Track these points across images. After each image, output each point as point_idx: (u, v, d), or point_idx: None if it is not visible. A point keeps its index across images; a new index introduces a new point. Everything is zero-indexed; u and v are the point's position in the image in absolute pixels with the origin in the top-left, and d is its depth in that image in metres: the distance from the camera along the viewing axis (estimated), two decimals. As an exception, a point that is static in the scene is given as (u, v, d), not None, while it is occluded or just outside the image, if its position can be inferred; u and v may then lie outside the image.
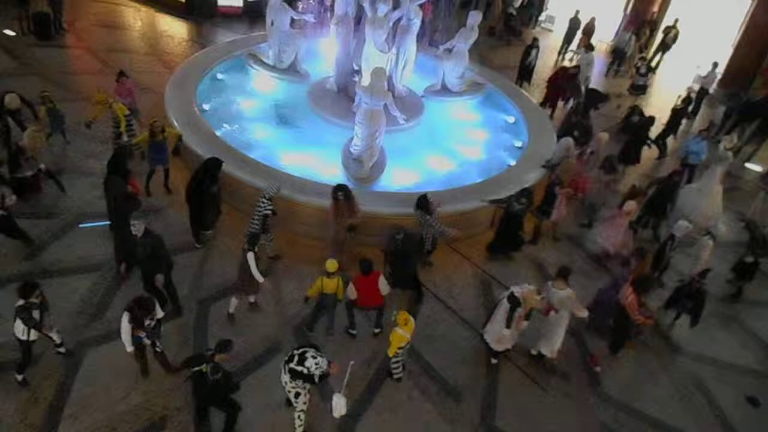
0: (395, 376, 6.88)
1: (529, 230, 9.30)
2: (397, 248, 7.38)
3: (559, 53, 17.42)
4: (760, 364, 8.29)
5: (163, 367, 6.45)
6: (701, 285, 7.88)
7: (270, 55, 11.74)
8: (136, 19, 15.44)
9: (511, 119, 12.10)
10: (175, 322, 7.08)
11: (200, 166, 8.07)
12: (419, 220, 7.89)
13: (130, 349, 6.04)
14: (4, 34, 13.09)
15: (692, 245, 9.11)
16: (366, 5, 9.73)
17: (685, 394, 7.57)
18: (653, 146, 12.49)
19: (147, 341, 6.10)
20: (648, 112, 12.60)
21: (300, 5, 13.55)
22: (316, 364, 5.43)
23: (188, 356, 5.95)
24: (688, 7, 18.30)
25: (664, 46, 17.44)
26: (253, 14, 15.97)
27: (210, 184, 7.91)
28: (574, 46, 17.41)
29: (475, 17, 11.43)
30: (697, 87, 15.67)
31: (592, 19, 17.17)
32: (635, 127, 11.93)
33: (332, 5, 10.89)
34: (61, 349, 6.45)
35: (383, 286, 6.94)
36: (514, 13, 18.66)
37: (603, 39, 18.60)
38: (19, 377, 6.16)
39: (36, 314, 5.88)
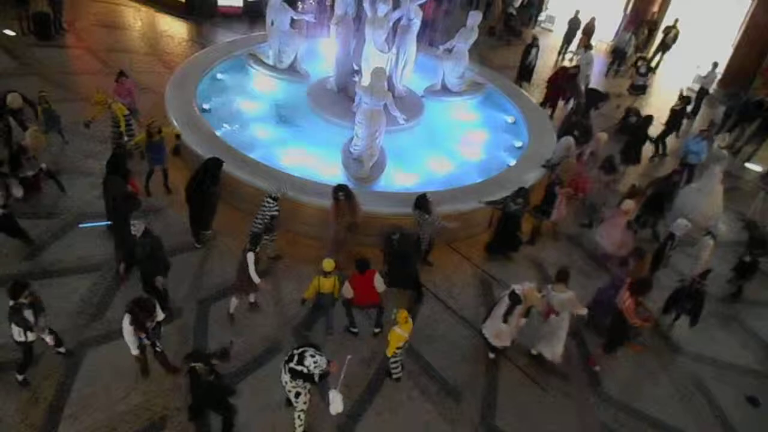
0: (394, 376, 6.89)
1: (527, 230, 9.31)
2: (393, 248, 7.38)
3: (559, 53, 17.42)
4: (760, 364, 8.29)
5: (163, 367, 6.46)
6: (702, 286, 7.87)
7: (270, 55, 11.74)
8: (136, 19, 15.44)
9: (511, 119, 12.10)
10: (175, 322, 7.08)
11: (200, 166, 8.07)
12: (417, 220, 7.89)
13: (135, 352, 6.05)
14: (4, 34, 13.09)
15: (693, 245, 9.11)
16: (366, 5, 9.73)
17: (685, 394, 7.58)
18: (653, 145, 12.54)
19: (147, 341, 6.10)
20: (648, 112, 12.60)
21: (300, 5, 13.55)
22: (315, 363, 5.43)
23: (188, 353, 5.93)
24: (688, 7, 18.30)
25: (664, 46, 17.44)
26: (253, 14, 15.97)
27: (210, 185, 7.91)
28: (574, 46, 17.41)
29: (475, 17, 11.42)
30: (696, 87, 15.68)
31: (592, 19, 17.17)
32: (633, 127, 11.93)
33: (332, 5, 10.89)
34: (61, 350, 6.45)
35: (379, 283, 6.95)
36: (514, 13, 18.65)
37: (603, 39, 18.62)
38: (20, 377, 6.16)
39: (29, 315, 5.83)
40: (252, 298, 7.41)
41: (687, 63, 17.69)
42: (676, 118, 12.56)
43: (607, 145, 10.44)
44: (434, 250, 8.68)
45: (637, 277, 7.27)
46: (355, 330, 7.38)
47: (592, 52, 14.84)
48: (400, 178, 9.62)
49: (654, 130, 12.15)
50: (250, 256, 6.77)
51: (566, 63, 16.69)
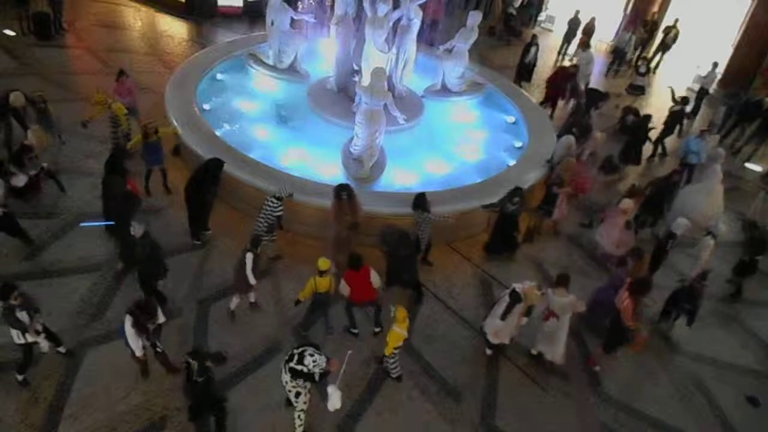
0: (394, 375, 6.88)
1: (522, 229, 9.29)
2: (390, 247, 7.40)
3: (559, 53, 17.42)
4: (760, 364, 8.30)
5: (163, 367, 6.46)
6: (701, 286, 7.86)
7: (270, 55, 11.74)
8: (136, 19, 15.44)
9: (511, 119, 12.10)
10: (175, 322, 7.08)
11: (201, 167, 8.08)
12: (417, 220, 7.89)
13: (140, 353, 6.06)
14: (4, 34, 13.09)
15: (693, 245, 9.12)
16: (366, 5, 9.72)
17: (685, 394, 7.58)
18: (652, 146, 12.55)
19: (147, 343, 6.11)
20: (647, 112, 12.57)
21: (300, 5, 13.55)
22: (314, 362, 5.44)
23: (189, 351, 5.92)
24: (688, 7, 18.30)
25: (664, 46, 17.44)
26: (253, 14, 15.97)
27: (211, 185, 7.92)
28: (574, 46, 17.42)
29: (475, 17, 11.42)
30: (696, 87, 15.68)
31: (592, 19, 17.17)
32: (632, 127, 11.94)
33: (332, 5, 10.89)
34: (61, 349, 6.45)
35: (375, 279, 6.96)
36: (514, 13, 18.66)
37: (603, 39, 18.62)
38: (20, 377, 6.16)
39: (23, 316, 5.80)
40: (252, 297, 7.41)
41: (687, 63, 17.69)
42: (674, 119, 12.54)
43: (605, 144, 10.44)
44: (434, 250, 8.68)
45: (637, 277, 7.27)
46: (356, 331, 7.38)
47: (592, 51, 14.83)
48: (400, 178, 9.62)
49: (653, 129, 12.15)
50: (249, 257, 6.77)
51: (566, 63, 16.68)
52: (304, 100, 10.93)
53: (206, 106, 10.49)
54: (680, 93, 13.58)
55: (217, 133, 9.57)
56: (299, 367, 5.46)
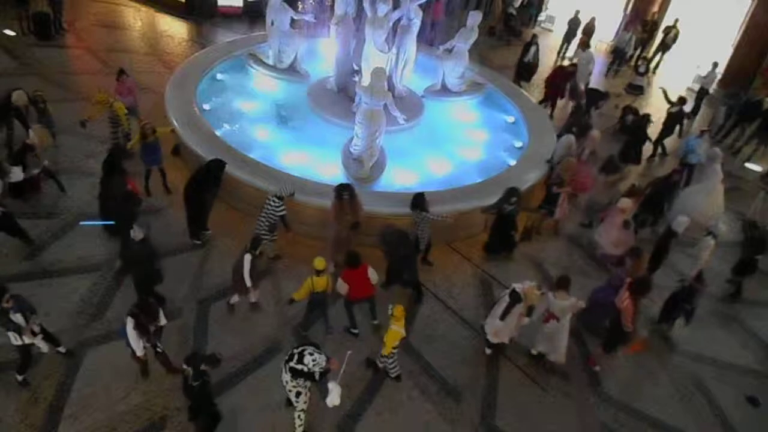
0: (393, 375, 6.88)
1: (521, 228, 9.28)
2: (390, 246, 7.42)
3: (559, 53, 17.42)
4: (760, 364, 8.29)
5: (164, 367, 6.46)
6: (700, 288, 7.85)
7: (270, 55, 11.74)
8: (136, 19, 15.44)
9: (511, 119, 12.10)
10: (175, 322, 7.08)
11: (202, 167, 8.09)
12: (415, 219, 7.90)
13: (141, 353, 6.07)
14: (4, 34, 13.09)
15: (693, 245, 9.11)
16: (366, 5, 9.72)
17: (685, 394, 7.58)
18: (652, 146, 12.55)
19: (148, 344, 6.13)
20: (647, 111, 12.58)
21: (300, 5, 13.55)
22: (314, 361, 5.44)
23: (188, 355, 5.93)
24: (688, 7, 18.30)
25: (664, 46, 17.44)
26: (253, 14, 15.97)
27: (212, 186, 7.93)
28: (574, 46, 17.42)
29: (475, 17, 11.42)
30: (696, 87, 15.68)
31: (592, 19, 17.18)
32: (632, 127, 11.95)
33: (332, 5, 10.89)
34: (61, 349, 6.45)
35: (373, 275, 6.98)
36: (514, 13, 18.66)
37: (603, 39, 18.62)
38: (20, 378, 6.16)
39: (18, 318, 5.78)
40: (253, 298, 7.41)
41: (687, 63, 17.70)
42: (673, 120, 12.53)
43: (601, 142, 10.43)
44: (434, 250, 8.68)
45: (637, 277, 7.27)
46: (356, 331, 7.38)
47: (591, 51, 14.84)
48: (400, 178, 9.62)
49: (653, 129, 12.15)
50: (247, 258, 6.78)
51: (566, 63, 16.67)
52: (304, 100, 10.94)
53: (206, 106, 10.49)
54: (680, 93, 13.62)
55: (217, 133, 9.57)
56: (299, 367, 5.46)
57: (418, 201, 7.87)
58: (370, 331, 7.47)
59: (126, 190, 7.64)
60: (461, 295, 8.38)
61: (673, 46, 17.39)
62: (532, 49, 14.19)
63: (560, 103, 13.73)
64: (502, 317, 6.80)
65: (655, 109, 13.45)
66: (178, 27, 15.44)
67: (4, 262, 7.57)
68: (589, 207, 10.07)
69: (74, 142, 9.87)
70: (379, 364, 6.84)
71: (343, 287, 6.88)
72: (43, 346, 6.15)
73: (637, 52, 17.83)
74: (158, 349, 6.27)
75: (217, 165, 7.99)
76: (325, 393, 5.56)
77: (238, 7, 16.27)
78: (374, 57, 9.93)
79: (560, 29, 18.18)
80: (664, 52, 17.62)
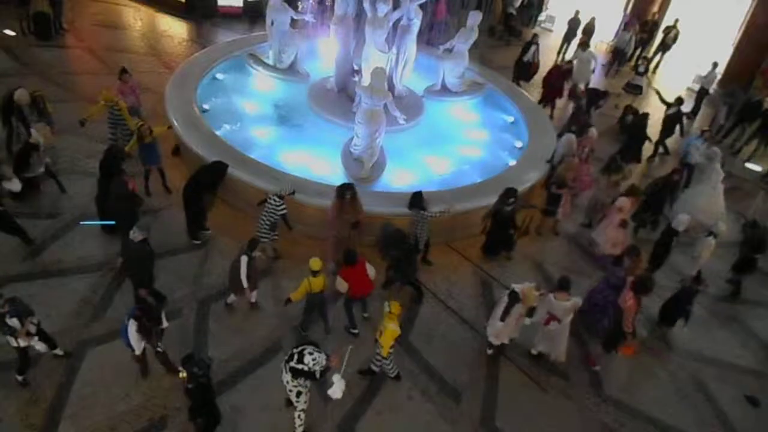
0: (392, 375, 6.87)
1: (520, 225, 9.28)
2: (389, 245, 7.46)
3: (559, 53, 17.42)
4: (760, 364, 8.29)
5: (164, 367, 6.46)
6: (698, 288, 7.85)
7: (270, 55, 11.74)
8: (136, 19, 15.44)
9: (511, 119, 12.10)
10: (175, 322, 7.08)
11: (203, 168, 8.10)
12: (414, 218, 7.90)
13: (139, 351, 6.08)
14: (4, 34, 13.09)
15: (692, 245, 9.12)
16: (366, 5, 9.72)
17: (685, 394, 7.58)
18: (652, 146, 12.56)
19: (149, 345, 6.15)
20: (646, 111, 12.58)
21: (300, 5, 13.55)
22: (314, 360, 5.44)
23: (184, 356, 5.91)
24: (688, 7, 18.30)
25: (664, 46, 17.44)
26: (253, 14, 15.97)
27: (212, 187, 7.94)
28: (574, 46, 17.41)
29: (475, 17, 11.42)
30: (696, 87, 15.68)
31: (592, 19, 17.17)
32: (632, 126, 11.95)
33: (332, 5, 10.89)
34: (58, 352, 6.44)
35: (371, 271, 7.01)
36: (514, 13, 18.66)
37: (603, 39, 18.62)
38: (20, 378, 6.16)
39: (14, 322, 5.76)
40: (253, 298, 7.41)
41: (687, 63, 17.69)
42: (672, 121, 12.51)
43: (600, 142, 10.43)
44: (434, 249, 8.69)
45: (640, 276, 7.28)
46: (356, 331, 7.38)
47: (591, 50, 14.85)
48: (400, 178, 9.62)
49: (652, 130, 12.16)
50: (243, 260, 6.79)
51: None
52: (304, 100, 10.93)
53: (206, 106, 10.49)
54: (680, 93, 13.61)
55: (217, 133, 9.57)
56: (300, 366, 5.46)
57: (416, 200, 7.89)
58: (370, 331, 7.47)
59: (128, 190, 7.63)
60: (461, 295, 8.38)
61: (673, 46, 17.39)
62: (532, 48, 14.20)
63: (560, 103, 13.73)
64: (502, 318, 6.81)
65: (654, 109, 13.43)
66: (178, 27, 15.44)
67: (4, 262, 7.56)
68: (591, 206, 10.06)
69: (74, 142, 9.87)
70: (374, 367, 6.77)
71: (342, 285, 6.88)
72: (41, 347, 6.14)
73: (638, 52, 17.83)
74: (159, 349, 6.28)
75: (219, 167, 8.01)
76: (325, 391, 5.56)
77: (238, 7, 16.26)
78: (374, 57, 9.93)
79: (560, 29, 18.17)
80: (664, 52, 17.62)
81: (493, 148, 11.10)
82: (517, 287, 6.73)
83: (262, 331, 7.29)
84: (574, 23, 16.98)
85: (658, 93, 12.82)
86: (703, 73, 15.23)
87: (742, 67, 16.21)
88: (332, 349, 5.79)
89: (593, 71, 14.46)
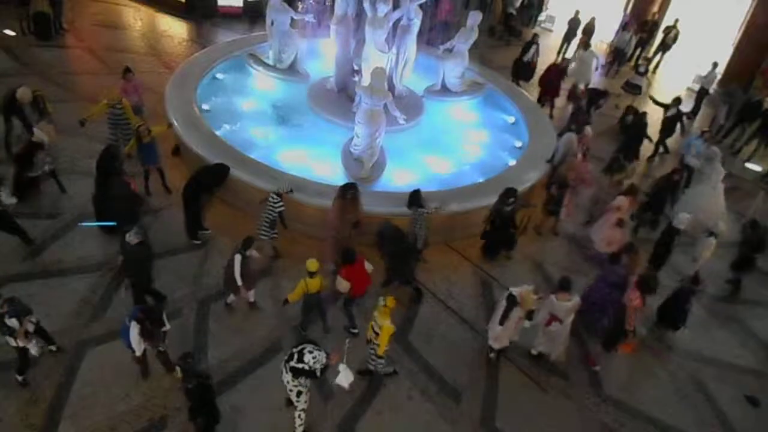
0: (390, 371, 6.83)
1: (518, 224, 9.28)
2: (388, 243, 7.48)
3: (559, 53, 17.41)
4: (760, 364, 8.29)
5: (164, 366, 6.46)
6: (696, 289, 7.86)
7: (270, 55, 11.73)
8: (136, 19, 15.43)
9: (511, 119, 12.10)
10: (175, 322, 7.07)
11: (203, 168, 8.10)
12: (414, 217, 7.92)
13: (140, 352, 6.09)
14: (4, 34, 13.08)
15: (692, 245, 9.12)
16: (366, 5, 9.71)
17: (685, 394, 7.58)
18: (652, 146, 12.57)
19: (151, 347, 6.16)
20: (646, 111, 12.58)
21: (300, 5, 13.54)
22: (314, 358, 5.45)
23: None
24: (688, 7, 18.29)
25: (664, 46, 17.43)
26: (253, 14, 15.96)
27: (213, 188, 7.95)
28: (574, 46, 17.42)
29: (475, 17, 11.41)
30: (696, 87, 15.67)
31: (592, 19, 17.15)
32: (631, 125, 11.96)
33: (332, 5, 10.89)
34: (53, 347, 6.45)
35: (368, 266, 7.04)
36: (514, 13, 18.65)
37: (603, 39, 18.62)
38: (20, 378, 6.16)
39: (13, 322, 5.75)
40: (250, 297, 7.42)
41: (687, 63, 17.69)
42: (672, 122, 12.50)
43: (600, 141, 10.43)
44: (434, 249, 8.68)
45: (644, 275, 7.30)
46: (356, 330, 7.38)
47: (593, 49, 14.85)
48: (400, 178, 9.62)
49: (652, 130, 12.17)
50: (237, 258, 6.81)
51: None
52: (304, 100, 10.93)
53: (206, 106, 10.48)
54: (680, 93, 13.58)
55: (217, 133, 9.57)
56: (300, 366, 5.46)
57: (415, 198, 7.91)
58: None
59: (129, 190, 7.63)
60: (461, 295, 8.38)
61: (673, 46, 17.39)
62: (532, 48, 14.20)
63: (560, 103, 13.72)
64: (501, 322, 6.81)
65: (653, 109, 13.43)
66: (178, 27, 15.43)
67: (4, 262, 7.56)
68: (592, 204, 10.06)
69: (74, 142, 9.86)
70: (371, 367, 6.74)
71: (344, 285, 6.88)
72: (34, 350, 6.09)
73: (637, 52, 17.82)
74: (160, 348, 6.28)
75: (222, 169, 8.03)
76: (325, 391, 5.56)
77: (238, 7, 16.25)
78: (374, 57, 9.92)
79: (560, 29, 18.17)
80: (664, 52, 17.61)
81: (493, 148, 11.10)
82: (514, 291, 6.72)
83: (262, 331, 7.29)
84: (574, 23, 16.97)
85: (652, 98, 12.83)
86: (703, 73, 15.22)
87: (742, 67, 16.21)
88: (331, 348, 5.78)
89: (596, 69, 14.44)
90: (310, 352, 5.48)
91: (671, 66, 18.10)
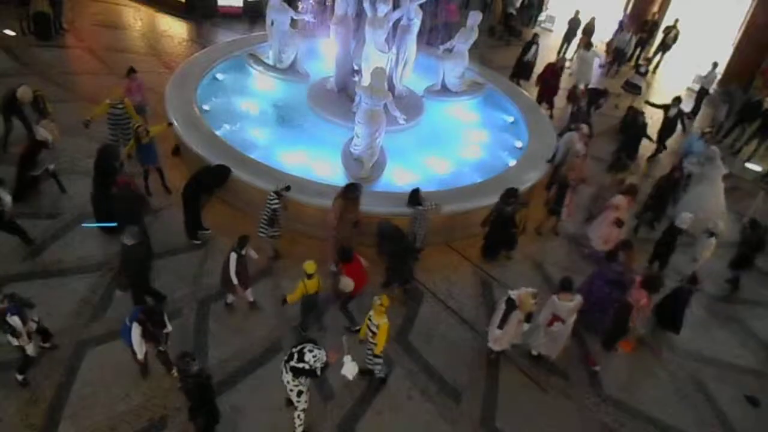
0: (382, 374, 6.78)
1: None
2: (388, 242, 7.49)
3: (559, 53, 17.41)
4: (760, 364, 8.30)
5: (164, 366, 6.46)
6: (697, 288, 7.85)
7: (270, 55, 11.73)
8: (136, 19, 15.43)
9: (511, 119, 12.10)
10: (175, 322, 7.06)
11: (205, 169, 8.10)
12: (414, 215, 7.92)
13: (141, 356, 6.09)
14: (4, 34, 13.08)
15: (692, 245, 9.12)
16: (366, 5, 9.71)
17: (685, 394, 7.58)
18: (653, 145, 12.58)
19: (152, 349, 6.17)
20: (646, 111, 12.60)
21: (300, 5, 13.54)
22: (314, 357, 5.45)
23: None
24: (688, 7, 18.29)
25: (665, 46, 17.44)
26: (253, 14, 15.96)
27: (212, 189, 7.96)
28: (574, 46, 17.42)
29: (475, 17, 11.42)
30: (696, 87, 15.67)
31: (592, 19, 17.16)
32: (630, 125, 11.97)
33: (332, 5, 10.89)
34: (46, 345, 6.47)
35: (364, 261, 7.06)
36: (514, 13, 18.66)
37: (603, 39, 18.61)
38: (20, 377, 6.16)
39: (15, 321, 5.73)
40: (249, 296, 7.42)
41: (687, 63, 17.69)
42: (673, 121, 12.50)
43: (600, 141, 10.44)
44: (434, 249, 8.68)
45: (649, 275, 7.32)
46: (358, 328, 7.35)
47: (595, 49, 14.85)
48: (400, 178, 9.62)
49: (651, 130, 12.18)
50: (233, 257, 6.82)
51: (565, 63, 16.64)
52: (304, 100, 10.93)
53: (206, 106, 10.48)
54: (680, 93, 13.58)
55: (217, 133, 9.57)
56: (301, 365, 5.46)
57: (414, 197, 7.95)
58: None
59: (132, 191, 7.63)
60: (461, 295, 8.38)
61: (673, 46, 17.39)
62: (533, 48, 14.21)
63: (560, 103, 13.71)
64: (501, 325, 6.80)
65: (653, 109, 13.45)
66: (178, 27, 15.43)
67: (4, 262, 7.56)
68: (592, 202, 10.05)
69: (74, 142, 9.83)
70: (369, 366, 6.71)
71: (348, 284, 6.88)
72: (31, 350, 6.07)
73: (637, 52, 17.82)
74: (160, 348, 6.28)
75: (223, 171, 8.04)
76: (325, 391, 5.56)
77: (238, 7, 16.25)
78: (374, 57, 9.92)
79: (560, 29, 18.17)
80: (664, 52, 17.61)
81: (493, 148, 11.10)
82: (513, 294, 6.70)
83: (262, 331, 7.29)
84: (574, 23, 16.98)
85: (648, 103, 12.83)
86: (703, 73, 15.23)
87: (742, 67, 16.22)
88: (329, 347, 5.78)
89: (600, 68, 14.43)
90: (311, 351, 5.48)
91: (671, 66, 18.11)
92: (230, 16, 16.16)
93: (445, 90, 12.07)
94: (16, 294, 5.95)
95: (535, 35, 14.43)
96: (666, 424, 7.12)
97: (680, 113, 12.44)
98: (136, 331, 5.83)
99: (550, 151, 10.34)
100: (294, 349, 5.57)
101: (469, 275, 8.77)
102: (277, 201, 7.64)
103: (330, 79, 11.27)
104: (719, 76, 15.77)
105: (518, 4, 19.48)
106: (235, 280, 6.93)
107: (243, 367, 6.79)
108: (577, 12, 16.89)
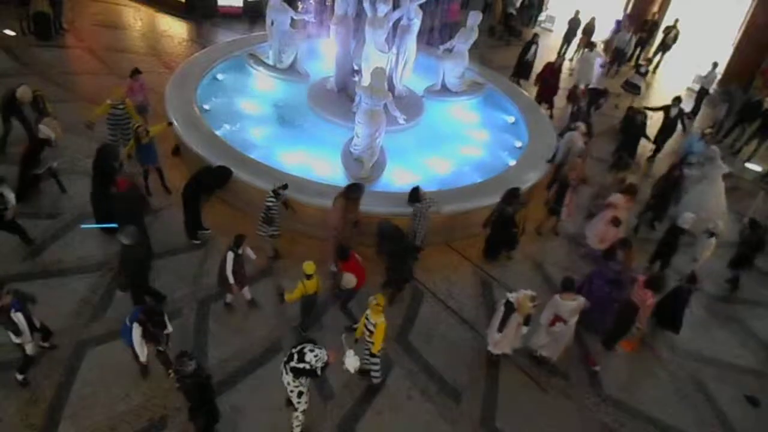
0: (376, 380, 6.76)
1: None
2: (388, 241, 7.49)
3: (559, 53, 17.40)
4: (760, 364, 8.29)
5: (164, 366, 6.45)
6: (696, 288, 7.85)
7: (270, 55, 11.74)
8: (136, 19, 15.44)
9: (511, 119, 12.10)
10: (175, 322, 7.06)
11: (206, 169, 8.10)
12: (415, 213, 7.94)
13: (143, 359, 6.09)
14: (4, 34, 13.08)
15: (693, 245, 9.12)
16: (366, 5, 9.72)
17: (685, 394, 7.58)
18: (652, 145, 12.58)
19: (153, 349, 6.17)
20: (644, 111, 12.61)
21: (300, 5, 13.55)
22: (315, 356, 5.44)
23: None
24: (688, 7, 18.30)
25: (665, 46, 17.44)
26: (253, 14, 15.98)
27: (212, 190, 7.96)
28: (574, 46, 17.42)
29: (475, 17, 11.42)
30: (696, 87, 15.68)
31: (592, 19, 17.18)
32: (629, 125, 11.99)
33: (332, 5, 10.89)
34: (45, 344, 6.47)
35: (359, 258, 7.09)
36: (514, 13, 18.67)
37: (601, 39, 18.62)
38: (20, 377, 6.16)
39: (18, 318, 5.73)
40: (247, 295, 7.43)
41: (687, 63, 17.69)
42: (673, 121, 12.50)
43: (599, 141, 10.45)
44: (434, 249, 8.68)
45: (652, 275, 7.32)
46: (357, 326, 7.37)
47: (597, 49, 14.86)
48: (400, 178, 9.62)
49: (651, 131, 12.17)
50: (230, 256, 6.83)
51: (566, 63, 16.66)
52: (304, 100, 10.93)
53: (206, 106, 10.49)
54: (679, 93, 13.57)
55: (217, 133, 9.57)
56: (301, 366, 5.45)
57: (414, 195, 7.97)
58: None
59: (134, 192, 7.63)
60: (461, 295, 8.38)
61: (673, 46, 17.39)
62: (533, 48, 14.22)
63: (560, 103, 13.71)
64: (500, 329, 6.80)
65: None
66: (178, 27, 15.43)
67: (4, 262, 7.55)
68: (592, 201, 10.05)
69: (74, 142, 9.83)
70: (367, 366, 6.65)
71: (351, 280, 6.88)
72: (30, 349, 6.07)
73: (637, 52, 17.82)
74: (160, 348, 6.28)
75: (224, 172, 8.05)
76: (325, 390, 5.56)
77: (238, 7, 16.26)
78: (374, 57, 9.92)
79: (560, 29, 18.18)
80: (664, 52, 17.62)
81: (493, 148, 11.10)
82: (511, 297, 6.70)
83: (262, 331, 7.29)
84: (574, 23, 16.99)
85: (648, 108, 12.83)
86: (703, 73, 15.24)
87: (742, 67, 16.23)
88: (329, 346, 5.78)
89: (602, 67, 14.44)
90: (311, 351, 5.47)
91: (671, 66, 18.11)
92: (230, 16, 16.17)
93: (445, 90, 12.08)
94: (19, 289, 5.95)
95: (535, 35, 14.44)
96: (666, 424, 7.13)
97: (681, 113, 12.44)
98: (136, 331, 5.83)
99: (550, 151, 10.34)
100: (294, 350, 5.57)
101: (469, 275, 8.78)
102: (272, 199, 7.64)
103: (330, 79, 11.27)
104: (719, 76, 15.77)
105: (518, 4, 19.50)
106: (231, 279, 6.93)
107: (243, 367, 6.78)
108: (577, 12, 16.90)
